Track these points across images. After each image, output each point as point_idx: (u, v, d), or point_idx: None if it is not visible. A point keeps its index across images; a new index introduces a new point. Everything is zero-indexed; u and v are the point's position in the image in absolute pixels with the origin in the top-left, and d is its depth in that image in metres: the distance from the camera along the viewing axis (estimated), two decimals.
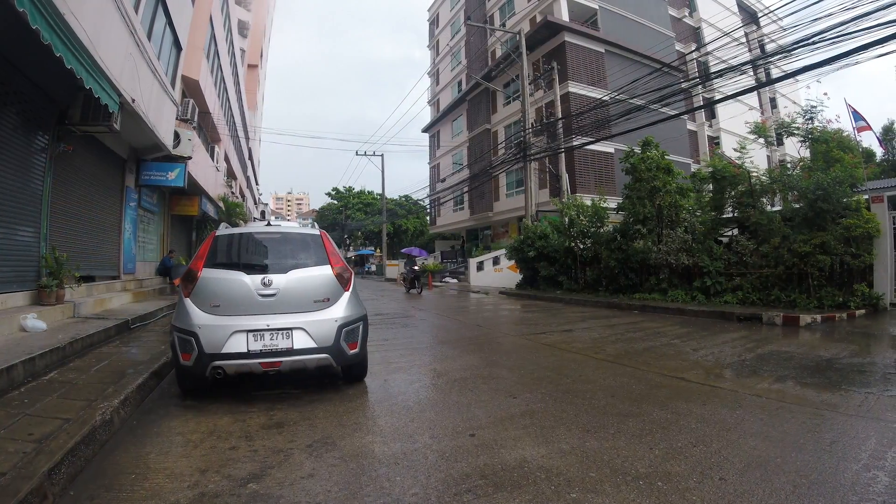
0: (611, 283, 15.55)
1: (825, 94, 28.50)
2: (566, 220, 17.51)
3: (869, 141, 22.67)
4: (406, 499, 2.73)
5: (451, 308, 15.24)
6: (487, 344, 8.34)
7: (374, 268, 53.09)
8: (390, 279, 37.50)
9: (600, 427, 3.93)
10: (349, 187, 71.68)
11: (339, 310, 4.88)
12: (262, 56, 44.42)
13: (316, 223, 6.24)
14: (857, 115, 12.82)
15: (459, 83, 42.61)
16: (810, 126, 12.73)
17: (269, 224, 5.89)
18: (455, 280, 30.67)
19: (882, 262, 11.24)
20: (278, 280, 4.74)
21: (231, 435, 3.79)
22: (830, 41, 10.35)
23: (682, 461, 3.25)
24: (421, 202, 57.84)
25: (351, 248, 70.72)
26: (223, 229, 5.42)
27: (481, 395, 4.96)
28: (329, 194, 72.76)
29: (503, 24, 34.96)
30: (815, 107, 12.76)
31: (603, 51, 29.21)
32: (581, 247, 17.04)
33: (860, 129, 12.85)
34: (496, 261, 26.79)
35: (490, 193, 34.16)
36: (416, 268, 22.77)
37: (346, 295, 5.04)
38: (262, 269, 4.82)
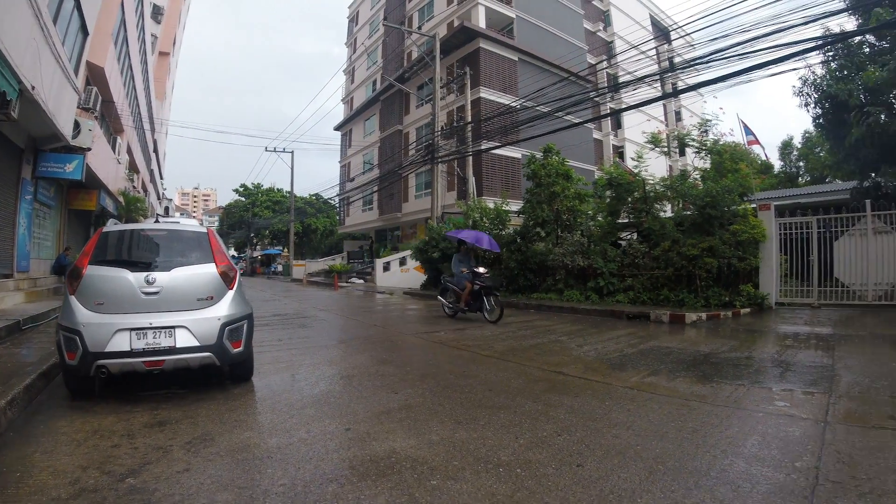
0: (510, 283, 15.69)
1: (720, 108, 30.70)
2: (470, 222, 17.46)
3: (763, 154, 24.55)
4: (274, 489, 2.77)
5: (353, 308, 15.00)
6: (381, 343, 8.36)
7: (280, 268, 51.10)
8: (296, 280, 36.46)
9: (472, 419, 4.02)
10: (258, 184, 68.91)
11: (223, 308, 4.85)
12: (174, 43, 41.46)
13: (203, 222, 5.67)
14: (747, 130, 13.69)
15: (374, 82, 42.05)
16: (705, 138, 13.41)
17: (157, 221, 5.89)
18: (362, 281, 29.94)
19: (768, 265, 11.96)
20: (162, 278, 4.67)
21: (114, 433, 3.76)
22: (727, 59, 10.97)
23: (545, 449, 3.36)
24: (331, 201, 56.61)
25: (258, 247, 68.06)
26: (111, 226, 5.29)
27: (364, 391, 5.00)
28: (237, 191, 69.46)
29: (421, 27, 34.92)
30: (710, 120, 13.58)
31: (516, 59, 29.76)
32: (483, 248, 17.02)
33: (750, 143, 13.76)
34: (402, 261, 26.39)
35: (399, 194, 33.78)
36: (481, 271, 11.37)
37: (231, 293, 4.99)
38: (147, 267, 4.74)
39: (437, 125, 22.15)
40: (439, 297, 12.06)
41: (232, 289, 5.03)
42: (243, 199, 68.98)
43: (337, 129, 48.55)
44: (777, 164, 37.41)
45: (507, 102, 23.34)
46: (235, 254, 70.12)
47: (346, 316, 12.69)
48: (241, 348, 4.92)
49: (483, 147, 21.54)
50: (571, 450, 3.35)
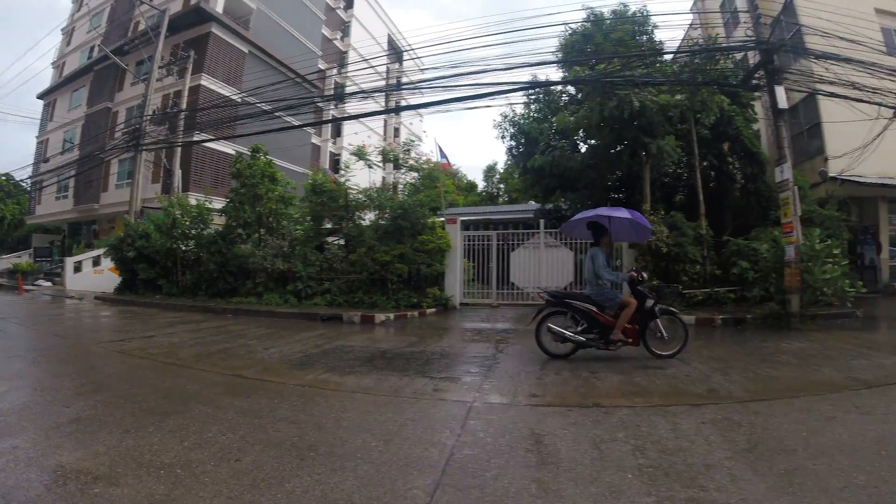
0: (210, 286, 14.74)
1: (424, 131, 33.71)
2: (171, 219, 15.78)
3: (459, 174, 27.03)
4: None
5: (34, 316, 12.85)
6: (60, 355, 7.61)
7: None
8: None
9: (141, 427, 3.97)
10: None
11: None
12: None
13: None
14: (442, 153, 14.98)
15: (92, 49, 35.41)
16: (407, 156, 14.40)
17: None
18: (50, 283, 25.06)
19: (452, 271, 13.40)
20: None
21: None
22: (444, 87, 12.03)
23: (207, 449, 3.48)
24: (23, 184, 46.49)
25: None
26: None
27: (35, 407, 4.60)
28: None
29: None
30: (414, 141, 14.73)
31: (247, 51, 28.18)
32: (184, 249, 15.61)
33: (444, 165, 15.08)
34: (97, 261, 22.78)
35: (99, 182, 29.10)
36: (646, 277, 7.40)
37: None
38: None
39: (149, 108, 19.75)
40: (548, 325, 6.85)
41: None
42: None
43: (41, 97, 40.04)
44: (481, 185, 42.89)
45: (228, 94, 21.86)
46: None
47: (26, 325, 11.00)
48: None
49: (195, 139, 19.81)
50: (232, 447, 3.50)
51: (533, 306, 13.32)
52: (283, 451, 3.41)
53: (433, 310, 12.34)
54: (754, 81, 12.66)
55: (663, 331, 6.89)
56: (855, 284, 11.39)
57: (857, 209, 17.21)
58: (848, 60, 12.18)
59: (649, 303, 6.84)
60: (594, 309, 6.77)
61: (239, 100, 19.15)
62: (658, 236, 12.12)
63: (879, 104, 12.95)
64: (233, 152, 24.56)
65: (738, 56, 15.78)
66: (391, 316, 11.10)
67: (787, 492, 2.97)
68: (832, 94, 12.65)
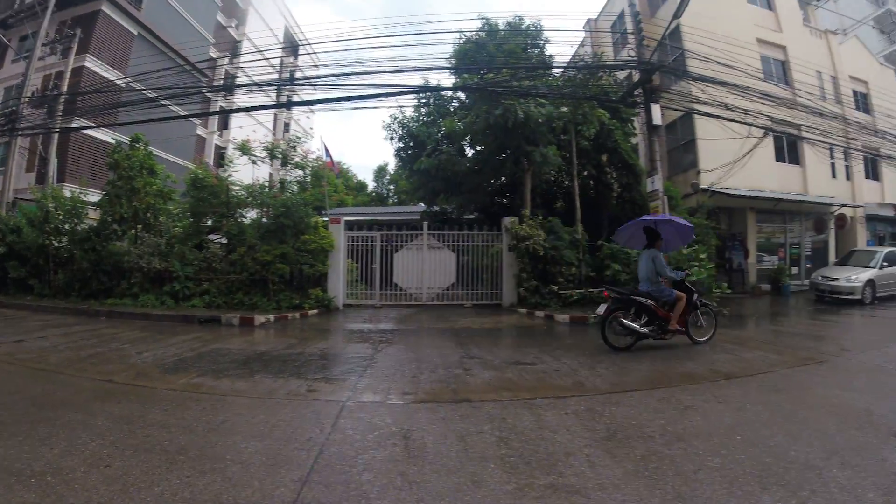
0: (84, 286, 13.77)
1: (311, 128, 33.28)
2: (43, 212, 14.68)
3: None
4: None
5: None
6: None
7: None
8: None
9: (11, 435, 3.86)
10: None
11: None
12: None
13: None
14: (327, 152, 14.87)
15: None
16: (293, 153, 14.05)
17: None
18: None
19: (336, 271, 13.35)
20: None
21: None
22: (332, 85, 11.93)
23: (77, 455, 3.45)
24: None
25: None
26: None
27: None
28: None
29: None
30: (300, 138, 14.42)
31: (136, 33, 26.48)
32: (56, 245, 14.56)
33: (328, 164, 14.93)
34: None
35: None
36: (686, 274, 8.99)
37: None
38: None
39: (28, 88, 18.36)
40: (620, 319, 7.49)
41: None
42: None
43: None
44: (371, 185, 43.02)
45: (112, 78, 20.56)
46: None
47: None
48: None
49: (74, 125, 18.55)
50: (103, 453, 3.49)
51: (416, 307, 13.70)
52: (153, 456, 3.43)
53: (315, 311, 12.29)
54: (633, 99, 13.58)
55: (702, 320, 8.10)
56: (721, 286, 12.52)
57: (726, 218, 18.84)
58: (723, 83, 13.32)
59: (695, 297, 7.93)
60: (654, 304, 7.60)
61: (123, 85, 18.11)
62: (535, 240, 12.75)
63: (750, 125, 14.26)
64: (113, 141, 23.16)
65: (624, 75, 16.81)
66: (271, 318, 10.98)
67: (642, 476, 3.19)
68: (706, 114, 13.80)
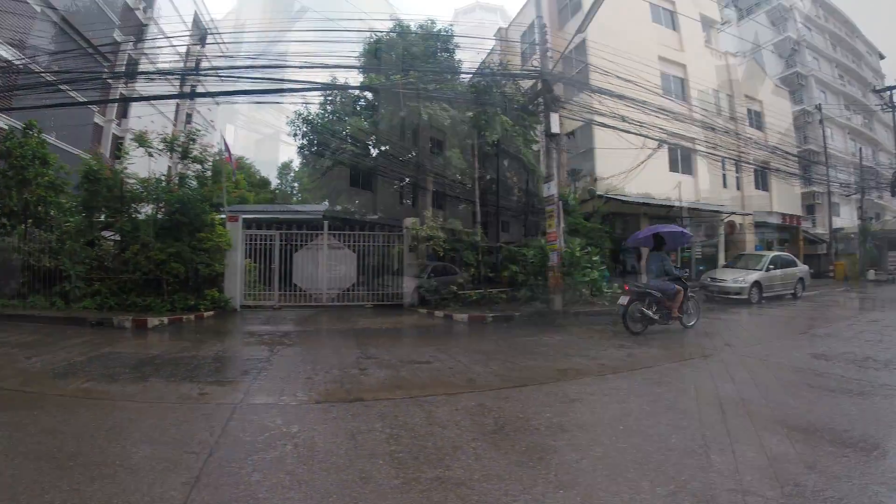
0: None
1: (212, 120, 32.45)
2: None
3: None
4: None
5: None
6: None
7: None
8: None
9: None
10: None
11: None
12: None
13: None
14: (226, 147, 14.61)
15: None
16: (191, 146, 13.50)
17: None
18: None
19: (233, 271, 13.03)
20: None
21: None
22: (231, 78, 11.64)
23: None
24: None
25: None
26: None
27: None
28: None
29: None
30: (199, 130, 13.98)
31: (39, 10, 25.03)
32: None
33: (227, 159, 14.60)
34: None
35: None
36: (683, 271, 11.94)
37: None
38: None
39: None
40: (640, 308, 9.32)
41: None
42: None
43: None
44: (275, 182, 42.26)
45: (10, 58, 19.34)
46: None
47: None
48: None
49: None
50: None
51: (316, 308, 13.79)
52: (42, 464, 3.36)
53: (211, 312, 12.02)
54: (534, 107, 14.24)
55: (691, 308, 9.94)
56: (612, 286, 13.34)
57: (621, 223, 19.96)
58: (621, 97, 14.19)
59: (689, 291, 9.84)
60: (661, 296, 9.36)
61: (21, 66, 17.07)
62: (436, 241, 13.19)
63: (645, 136, 15.24)
64: (5, 127, 21.73)
65: (529, 84, 17.53)
66: (165, 320, 10.71)
67: (527, 466, 3.35)
68: (603, 125, 14.65)
